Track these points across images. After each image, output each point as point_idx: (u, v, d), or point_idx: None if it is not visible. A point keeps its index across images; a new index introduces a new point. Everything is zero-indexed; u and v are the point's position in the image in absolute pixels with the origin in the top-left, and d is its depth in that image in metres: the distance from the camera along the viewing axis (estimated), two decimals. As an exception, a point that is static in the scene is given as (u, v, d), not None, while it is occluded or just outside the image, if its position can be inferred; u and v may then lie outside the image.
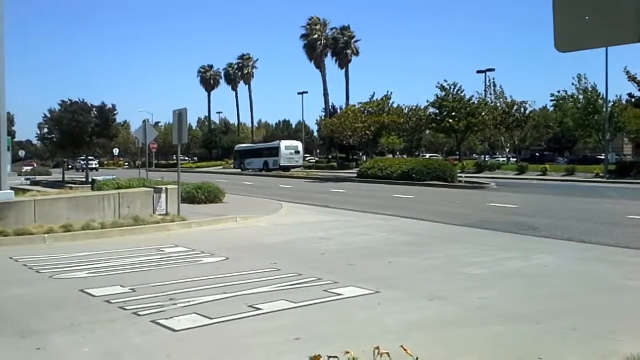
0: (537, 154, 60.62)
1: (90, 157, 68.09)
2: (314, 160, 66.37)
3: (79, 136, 32.50)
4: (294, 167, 54.19)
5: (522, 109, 48.60)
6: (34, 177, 42.77)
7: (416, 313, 5.95)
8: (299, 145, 58.96)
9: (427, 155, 68.25)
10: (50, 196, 14.40)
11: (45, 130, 37.21)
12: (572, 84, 42.79)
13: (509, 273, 8.08)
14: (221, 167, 66.37)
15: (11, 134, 54.12)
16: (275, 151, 55.92)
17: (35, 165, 69.53)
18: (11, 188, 13.38)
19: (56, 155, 59.48)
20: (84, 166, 67.09)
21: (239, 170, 58.12)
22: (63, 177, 36.77)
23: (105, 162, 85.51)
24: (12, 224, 11.52)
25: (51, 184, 30.14)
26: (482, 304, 6.31)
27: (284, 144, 57.50)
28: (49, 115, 33.92)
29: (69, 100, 33.32)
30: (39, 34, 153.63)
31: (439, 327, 5.44)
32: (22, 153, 66.75)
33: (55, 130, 34.19)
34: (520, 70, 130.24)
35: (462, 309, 6.10)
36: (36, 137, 45.63)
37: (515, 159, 55.67)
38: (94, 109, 33.47)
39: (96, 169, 68.09)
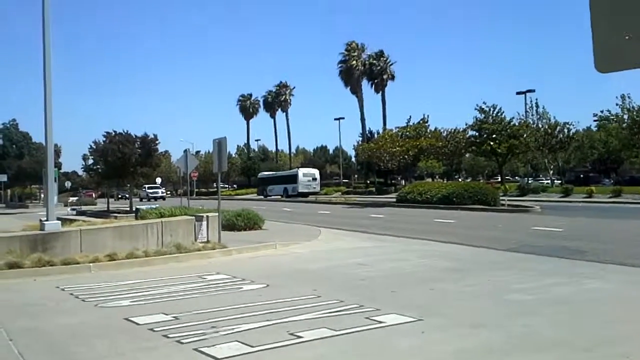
0: (582, 176, 59.09)
1: (155, 185, 63.58)
2: (347, 187, 66.43)
3: (123, 166, 33.30)
4: (312, 193, 56.60)
5: (566, 130, 47.61)
6: (79, 207, 44.01)
7: (461, 341, 5.81)
8: (315, 172, 61.76)
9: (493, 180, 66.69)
10: (96, 226, 14.75)
11: (91, 161, 38.29)
12: (617, 104, 41.86)
13: (555, 299, 7.83)
14: (260, 194, 67.35)
15: (58, 165, 56.04)
16: (294, 178, 59.19)
17: (94, 195, 69.22)
18: (58, 218, 13.75)
19: (101, 186, 61.05)
20: (149, 194, 64.00)
21: (262, 197, 60.97)
22: (108, 207, 37.68)
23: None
24: (59, 254, 11.82)
25: (96, 214, 30.90)
26: (529, 331, 6.13)
27: (302, 171, 60.83)
28: (94, 147, 34.91)
29: (114, 131, 34.23)
30: (78, 63, 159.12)
31: (484, 356, 5.31)
32: (68, 184, 68.75)
33: (101, 161, 35.15)
34: (561, 91, 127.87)
35: (508, 337, 5.93)
36: (82, 168, 46.95)
37: (559, 182, 54.41)
38: (137, 139, 34.31)
39: (163, 197, 64.63)
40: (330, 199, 48.90)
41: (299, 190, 57.00)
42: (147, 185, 62.85)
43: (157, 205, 24.72)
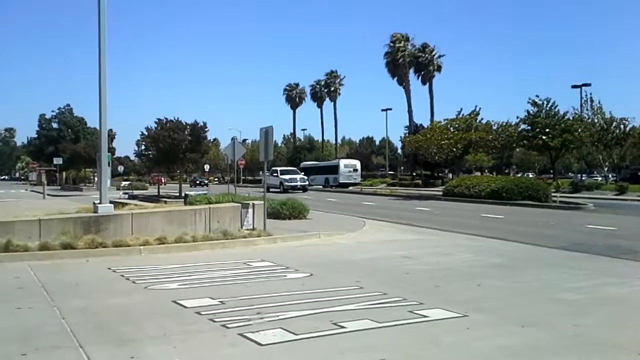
0: (639, 173, 56.79)
1: (291, 169, 53.28)
2: (393, 179, 65.97)
3: (173, 153, 33.96)
4: (353, 184, 56.91)
5: (622, 126, 45.84)
6: (131, 191, 45.22)
7: (507, 339, 5.70)
8: (357, 163, 62.08)
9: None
10: (147, 210, 15.12)
11: (143, 147, 39.20)
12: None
13: (607, 299, 7.60)
14: (305, 183, 67.73)
15: (111, 150, 57.48)
16: (335, 169, 59.63)
17: (162, 180, 64.13)
18: (110, 202, 14.14)
19: (152, 171, 62.38)
20: (283, 183, 47.28)
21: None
22: (159, 192, 38.57)
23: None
24: (111, 236, 12.20)
25: (147, 198, 31.65)
26: (578, 331, 5.97)
27: (343, 162, 61.46)
28: (146, 133, 35.72)
29: (165, 118, 34.93)
30: (133, 55, 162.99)
31: (531, 355, 5.20)
32: (121, 169, 70.71)
33: (152, 147, 35.91)
34: (618, 86, 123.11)
35: (556, 336, 5.79)
36: (134, 153, 48.08)
37: (614, 179, 52.52)
38: (188, 126, 34.90)
39: (304, 188, 47.67)
40: (376, 191, 48.71)
41: (340, 181, 57.39)
42: (279, 169, 49.46)
43: (205, 192, 25.11)
